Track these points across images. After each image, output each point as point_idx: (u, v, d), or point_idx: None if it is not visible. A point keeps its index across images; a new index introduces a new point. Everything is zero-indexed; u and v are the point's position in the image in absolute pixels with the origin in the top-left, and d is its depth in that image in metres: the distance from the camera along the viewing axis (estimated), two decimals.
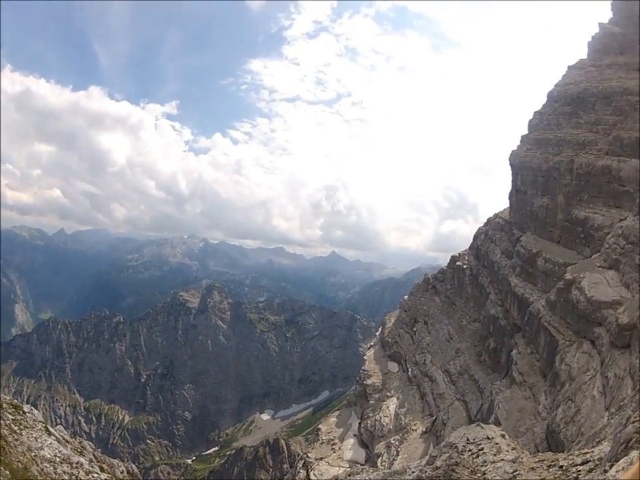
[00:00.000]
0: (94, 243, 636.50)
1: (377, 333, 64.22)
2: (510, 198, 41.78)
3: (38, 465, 15.72)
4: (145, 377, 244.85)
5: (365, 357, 55.03)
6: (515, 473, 8.45)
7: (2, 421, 17.95)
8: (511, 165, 41.47)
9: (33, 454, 16.52)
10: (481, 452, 11.18)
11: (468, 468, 11.33)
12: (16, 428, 18.83)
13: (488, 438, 11.58)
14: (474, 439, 12.80)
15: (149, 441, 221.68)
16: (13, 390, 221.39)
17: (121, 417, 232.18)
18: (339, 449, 33.29)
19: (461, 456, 12.43)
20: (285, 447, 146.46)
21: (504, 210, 44.10)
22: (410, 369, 39.11)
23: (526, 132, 42.72)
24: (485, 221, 47.22)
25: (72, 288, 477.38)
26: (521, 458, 9.48)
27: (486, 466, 10.15)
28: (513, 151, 42.11)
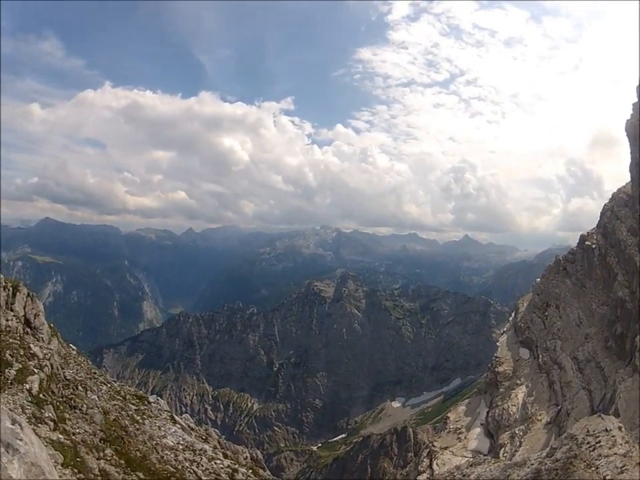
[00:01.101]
0: (224, 240, 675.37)
1: (510, 318, 61.23)
2: (631, 171, 37.37)
3: (158, 453, 17.04)
4: (277, 365, 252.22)
5: (497, 343, 52.75)
6: (623, 468, 7.75)
7: (124, 412, 19.77)
8: (627, 135, 36.99)
9: (155, 442, 18.02)
10: (598, 445, 10.35)
11: (584, 461, 10.58)
12: (138, 418, 20.57)
13: (606, 430, 10.68)
14: (593, 431, 11.89)
15: (276, 428, 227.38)
16: (137, 382, 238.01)
17: (249, 405, 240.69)
18: (465, 438, 32.35)
19: (580, 448, 11.59)
20: (411, 436, 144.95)
21: (626, 184, 39.67)
22: (540, 356, 36.72)
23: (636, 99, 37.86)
24: (610, 196, 42.96)
25: (203, 284, 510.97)
26: (631, 452, 8.63)
27: (600, 460, 9.41)
28: (627, 120, 37.51)
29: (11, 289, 21.43)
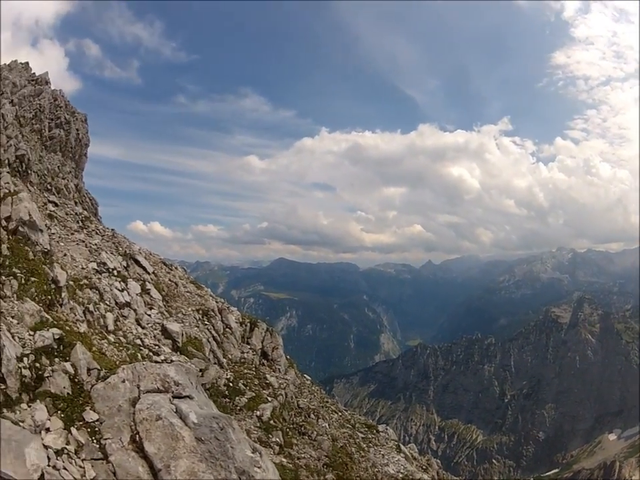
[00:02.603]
0: (463, 270, 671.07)
1: None
2: None
3: None
4: (508, 397, 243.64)
5: None
6: None
7: (352, 439, 20.59)
8: None
9: (376, 470, 18.43)
10: None
11: None
12: (364, 445, 21.25)
13: None
14: None
15: (494, 461, 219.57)
16: (364, 410, 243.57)
17: (474, 437, 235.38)
18: None
19: None
20: (616, 471, 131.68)
21: None
22: None
23: None
24: None
25: (442, 315, 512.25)
26: None
27: None
28: None
29: (248, 324, 24.64)
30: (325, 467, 16.54)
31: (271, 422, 15.48)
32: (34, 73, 33.99)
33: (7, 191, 16.09)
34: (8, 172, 18.44)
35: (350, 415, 29.98)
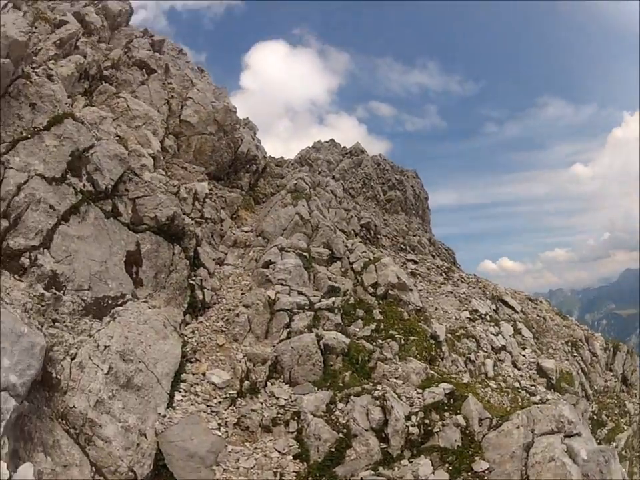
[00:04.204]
0: None
1: None
2: None
3: None
4: None
5: None
6: None
7: None
8: None
9: None
10: None
11: None
12: None
13: None
14: None
15: None
16: None
17: None
18: None
19: None
20: None
21: None
22: None
23: None
24: None
25: None
26: None
27: None
28: None
29: (611, 349, 22.27)
30: None
31: (622, 452, 13.31)
32: (344, 147, 38.70)
33: (367, 260, 18.36)
34: (360, 241, 21.10)
35: None
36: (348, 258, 18.94)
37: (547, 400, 14.31)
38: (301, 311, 14.15)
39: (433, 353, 14.82)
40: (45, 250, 10.77)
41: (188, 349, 12.45)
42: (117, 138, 15.05)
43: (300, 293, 15.02)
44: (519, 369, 16.59)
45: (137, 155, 15.35)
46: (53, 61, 16.01)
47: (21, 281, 10.05)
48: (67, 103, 13.99)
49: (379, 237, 26.80)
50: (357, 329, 14.97)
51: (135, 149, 15.60)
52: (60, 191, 11.72)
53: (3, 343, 7.69)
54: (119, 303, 11.75)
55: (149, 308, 12.28)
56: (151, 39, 23.77)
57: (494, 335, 18.02)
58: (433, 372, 13.47)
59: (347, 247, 19.50)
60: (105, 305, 11.43)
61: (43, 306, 9.78)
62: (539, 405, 10.96)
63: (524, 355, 17.63)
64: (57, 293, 10.39)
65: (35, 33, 16.11)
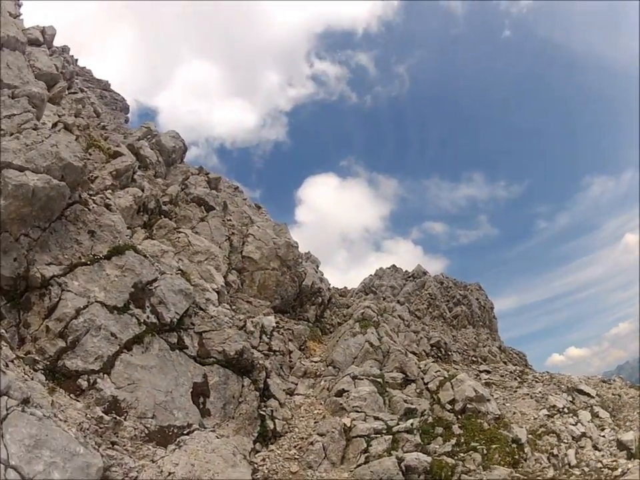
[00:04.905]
0: None
1: None
2: None
3: None
4: None
5: None
6: None
7: None
8: None
9: None
10: None
11: None
12: None
13: None
14: None
15: None
16: None
17: None
18: None
19: None
20: None
21: None
22: None
23: None
24: None
25: None
26: None
27: None
28: None
29: None
30: None
31: None
32: (406, 271, 39.21)
33: (442, 378, 18.36)
34: (433, 361, 21.07)
35: None
36: (422, 379, 18.94)
37: (628, 469, 13.76)
38: (378, 435, 14.02)
39: (516, 457, 14.48)
40: (105, 375, 10.89)
41: (259, 476, 12.48)
42: (180, 272, 15.20)
43: (376, 418, 14.97)
44: (599, 450, 15.70)
45: (201, 289, 15.68)
46: (110, 191, 16.30)
47: (77, 401, 10.05)
48: (127, 235, 14.30)
49: (449, 353, 26.56)
50: (437, 446, 14.63)
51: (198, 283, 15.92)
52: (122, 320, 11.92)
53: (53, 458, 7.66)
54: (185, 432, 11.58)
55: (217, 437, 12.12)
56: (207, 176, 24.57)
57: (573, 425, 17.29)
58: (517, 474, 13.33)
59: (419, 368, 19.53)
60: (170, 433, 11.28)
61: (101, 428, 9.70)
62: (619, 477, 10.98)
63: (603, 436, 16.73)
64: (118, 417, 10.30)
65: (89, 159, 16.32)
